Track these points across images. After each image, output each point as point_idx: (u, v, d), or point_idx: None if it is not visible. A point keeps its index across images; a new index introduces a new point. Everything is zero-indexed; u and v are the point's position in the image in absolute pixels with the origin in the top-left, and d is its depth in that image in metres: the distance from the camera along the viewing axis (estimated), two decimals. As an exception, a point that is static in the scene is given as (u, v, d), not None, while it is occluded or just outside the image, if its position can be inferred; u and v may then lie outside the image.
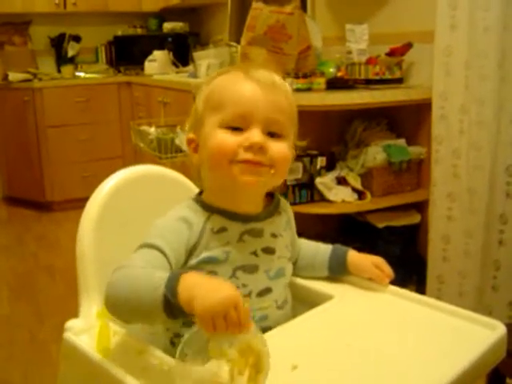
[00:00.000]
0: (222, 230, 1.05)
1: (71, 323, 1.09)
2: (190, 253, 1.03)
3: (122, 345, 1.00)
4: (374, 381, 0.88)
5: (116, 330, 1.03)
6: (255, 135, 1.00)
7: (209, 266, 1.03)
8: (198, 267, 1.02)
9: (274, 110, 1.02)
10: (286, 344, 0.98)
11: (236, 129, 1.01)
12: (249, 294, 1.05)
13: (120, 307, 0.95)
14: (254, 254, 1.07)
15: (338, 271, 1.21)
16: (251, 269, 1.06)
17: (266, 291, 1.07)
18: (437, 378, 0.85)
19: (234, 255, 1.04)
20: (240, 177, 1.00)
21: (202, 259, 1.03)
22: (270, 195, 1.16)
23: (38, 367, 2.36)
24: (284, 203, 1.18)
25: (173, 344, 1.07)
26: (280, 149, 1.03)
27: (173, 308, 0.85)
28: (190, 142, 1.09)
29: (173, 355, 0.89)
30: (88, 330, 1.06)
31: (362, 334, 1.02)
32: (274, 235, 1.11)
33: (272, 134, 1.02)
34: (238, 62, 2.84)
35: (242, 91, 1.02)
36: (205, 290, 0.83)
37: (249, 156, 1.00)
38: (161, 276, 0.88)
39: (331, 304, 1.12)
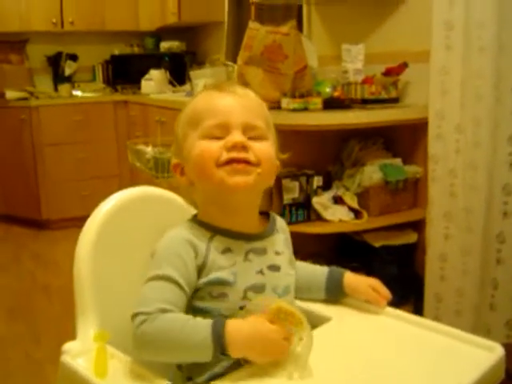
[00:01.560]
0: (227, 250, 1.05)
1: (68, 346, 1.08)
2: (199, 273, 1.02)
3: (119, 368, 1.00)
4: (373, 404, 0.87)
5: (113, 353, 1.03)
6: (235, 136, 1.02)
7: (218, 287, 1.03)
8: (207, 289, 1.02)
9: (251, 115, 1.06)
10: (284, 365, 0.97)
11: (217, 138, 1.03)
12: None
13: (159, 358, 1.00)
14: (261, 272, 1.07)
15: (334, 293, 1.21)
16: (260, 288, 1.06)
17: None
18: (435, 402, 0.85)
19: (241, 276, 1.04)
20: (228, 179, 1.01)
21: (211, 280, 1.02)
22: (266, 214, 1.16)
23: (33, 387, 2.34)
24: (280, 222, 1.19)
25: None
26: (263, 147, 1.05)
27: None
28: (175, 167, 1.11)
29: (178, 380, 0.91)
30: (85, 352, 1.05)
31: (360, 355, 1.02)
32: (277, 253, 1.11)
33: (253, 138, 1.05)
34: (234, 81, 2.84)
35: (217, 103, 1.06)
36: (258, 344, 0.94)
37: (233, 154, 1.01)
38: (204, 326, 0.94)
39: (329, 326, 1.11)
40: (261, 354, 0.93)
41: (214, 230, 1.06)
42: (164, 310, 0.96)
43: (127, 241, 1.24)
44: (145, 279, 1.02)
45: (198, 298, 1.03)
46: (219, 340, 0.92)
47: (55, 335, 1.09)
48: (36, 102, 4.62)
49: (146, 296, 1.00)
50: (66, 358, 1.05)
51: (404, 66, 2.67)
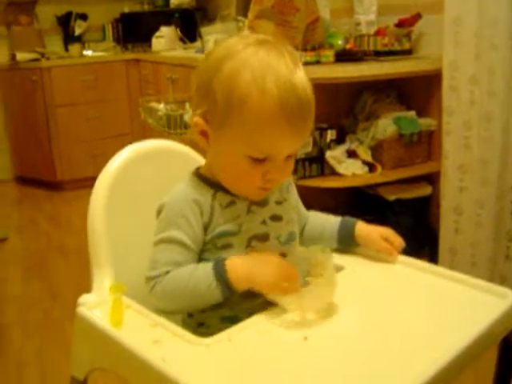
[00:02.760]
0: (231, 203, 1.05)
1: (84, 298, 1.09)
2: (206, 229, 1.04)
3: (135, 318, 1.01)
4: (384, 350, 0.88)
5: (129, 304, 1.04)
6: (277, 171, 1.00)
7: (223, 239, 1.03)
8: (212, 242, 1.04)
9: (299, 142, 1.01)
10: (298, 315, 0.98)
11: (260, 159, 0.98)
12: None
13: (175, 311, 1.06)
14: (264, 222, 1.07)
15: (346, 243, 1.21)
16: (263, 237, 1.06)
17: (282, 256, 1.07)
18: (447, 347, 0.85)
19: (246, 226, 1.05)
20: (254, 196, 1.05)
21: (216, 234, 1.03)
22: None
23: (52, 345, 2.37)
24: None
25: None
26: (290, 169, 1.05)
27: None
28: (197, 125, 1.03)
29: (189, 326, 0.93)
30: (101, 304, 1.07)
31: (373, 303, 1.02)
32: (278, 202, 1.11)
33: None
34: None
35: (276, 138, 0.96)
36: (259, 268, 0.98)
37: (268, 185, 1.02)
38: (206, 273, 0.97)
39: (342, 275, 1.12)
40: (264, 278, 0.97)
41: (216, 187, 1.06)
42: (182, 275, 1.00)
43: (140, 193, 1.25)
44: (153, 241, 1.05)
45: (205, 251, 1.05)
46: (223, 279, 0.96)
47: (72, 294, 1.09)
48: (47, 62, 4.59)
49: (155, 259, 1.03)
50: (82, 310, 1.06)
51: (417, 16, 2.63)
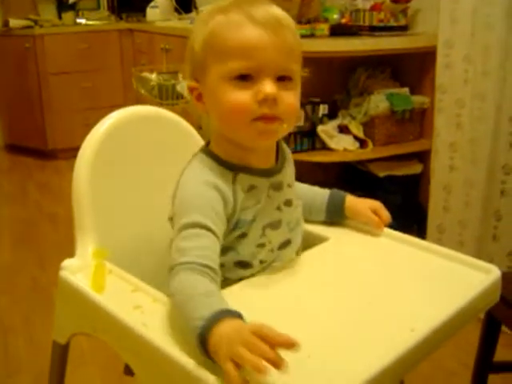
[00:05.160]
0: (252, 187, 1.01)
1: (67, 262, 1.09)
2: (228, 219, 0.98)
3: (116, 283, 1.01)
4: (366, 320, 0.88)
5: (111, 269, 1.04)
6: (267, 87, 0.93)
7: (240, 229, 0.99)
8: (232, 233, 0.99)
9: (285, 56, 0.95)
10: (283, 285, 0.99)
11: (245, 77, 0.94)
12: (273, 250, 1.03)
13: None
14: (278, 208, 1.04)
15: (335, 215, 1.20)
16: (276, 224, 1.03)
17: (286, 243, 1.05)
18: (430, 319, 0.86)
19: (262, 213, 1.01)
20: (257, 138, 0.96)
21: (236, 221, 0.99)
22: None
23: (40, 312, 2.38)
24: (285, 148, 1.14)
25: None
26: (291, 101, 0.97)
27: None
28: (191, 89, 1.02)
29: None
30: (84, 268, 1.07)
31: (356, 274, 1.02)
32: (289, 185, 1.08)
33: (283, 78, 0.96)
34: None
35: (247, 39, 0.93)
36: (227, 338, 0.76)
37: (265, 110, 0.94)
38: (201, 317, 0.80)
39: (327, 245, 1.12)
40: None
41: (235, 168, 1.00)
42: (202, 258, 0.89)
43: (126, 159, 1.23)
44: (174, 230, 0.96)
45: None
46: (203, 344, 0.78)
47: (60, 261, 1.09)
48: (40, 30, 4.54)
49: (182, 247, 0.91)
50: (64, 274, 1.06)
51: (414, -8, 2.61)
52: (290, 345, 0.72)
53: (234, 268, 1.00)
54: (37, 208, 3.68)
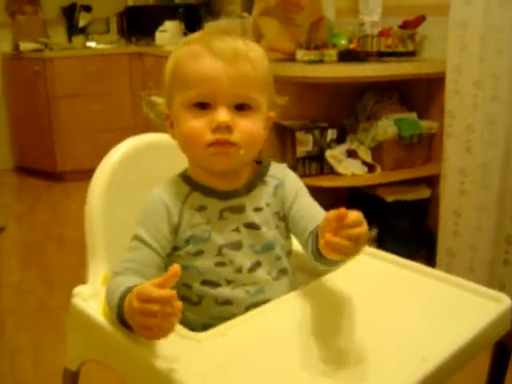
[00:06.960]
0: (202, 208, 1.05)
1: (79, 289, 1.09)
2: (175, 232, 1.04)
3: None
4: (376, 350, 0.88)
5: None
6: (220, 115, 0.97)
7: (195, 246, 1.04)
8: (186, 247, 1.04)
9: (239, 84, 0.99)
10: (283, 317, 0.98)
11: (203, 105, 0.99)
12: (240, 270, 1.04)
13: None
14: (237, 230, 1.05)
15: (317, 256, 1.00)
16: (236, 245, 1.05)
17: (257, 265, 1.05)
18: (441, 349, 0.85)
19: (215, 233, 1.04)
20: (211, 160, 1.01)
21: (187, 238, 1.04)
22: (259, 163, 1.13)
23: (47, 334, 2.38)
24: (274, 169, 1.12)
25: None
26: (247, 127, 1.00)
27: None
28: (166, 117, 1.08)
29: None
30: (95, 295, 1.07)
31: (365, 303, 1.02)
32: (257, 209, 1.07)
33: (242, 106, 1.00)
34: (248, 32, 2.80)
35: (202, 69, 0.99)
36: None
37: (217, 136, 0.98)
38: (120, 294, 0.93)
39: (336, 275, 1.10)
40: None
41: (193, 186, 1.06)
42: (126, 270, 1.00)
43: (138, 186, 1.23)
44: None
45: (178, 257, 1.04)
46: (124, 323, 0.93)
47: (69, 284, 1.09)
48: (50, 53, 4.58)
49: (122, 257, 1.03)
50: (76, 301, 1.06)
51: (421, 18, 2.62)
52: (167, 298, 0.81)
53: (203, 287, 1.04)
54: (45, 230, 3.69)
